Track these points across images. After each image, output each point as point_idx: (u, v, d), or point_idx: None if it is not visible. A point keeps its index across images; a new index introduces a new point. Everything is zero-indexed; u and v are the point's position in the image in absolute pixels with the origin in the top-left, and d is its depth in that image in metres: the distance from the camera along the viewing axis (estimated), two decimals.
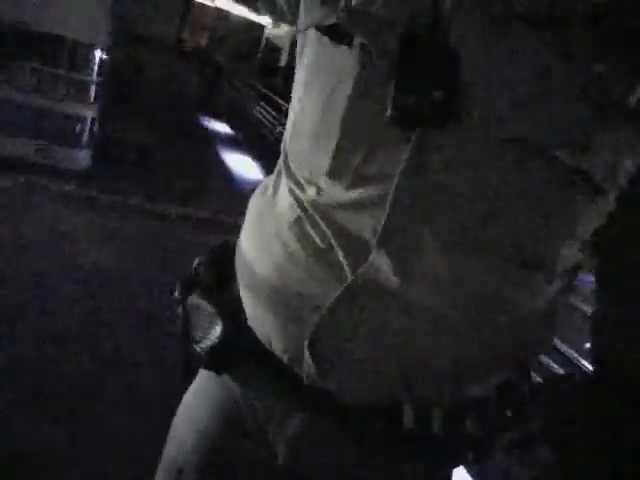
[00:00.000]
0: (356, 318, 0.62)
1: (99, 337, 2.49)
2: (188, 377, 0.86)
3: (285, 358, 0.69)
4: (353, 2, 0.61)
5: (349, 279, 0.62)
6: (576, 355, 2.05)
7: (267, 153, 6.32)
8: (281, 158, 0.75)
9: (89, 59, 4.05)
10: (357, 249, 0.61)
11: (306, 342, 0.65)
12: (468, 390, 0.68)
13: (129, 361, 2.38)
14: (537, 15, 0.54)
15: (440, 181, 0.58)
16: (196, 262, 0.83)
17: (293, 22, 0.75)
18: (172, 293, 0.82)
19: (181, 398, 0.89)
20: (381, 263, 0.60)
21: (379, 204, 0.60)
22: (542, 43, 0.54)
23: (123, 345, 2.47)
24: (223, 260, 0.81)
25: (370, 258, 0.61)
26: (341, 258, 0.62)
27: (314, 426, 0.70)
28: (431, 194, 0.58)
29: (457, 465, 0.76)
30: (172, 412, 0.89)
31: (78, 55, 4.02)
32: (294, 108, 0.71)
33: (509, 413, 0.70)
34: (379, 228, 0.60)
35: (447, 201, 0.58)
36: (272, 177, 0.77)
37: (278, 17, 0.81)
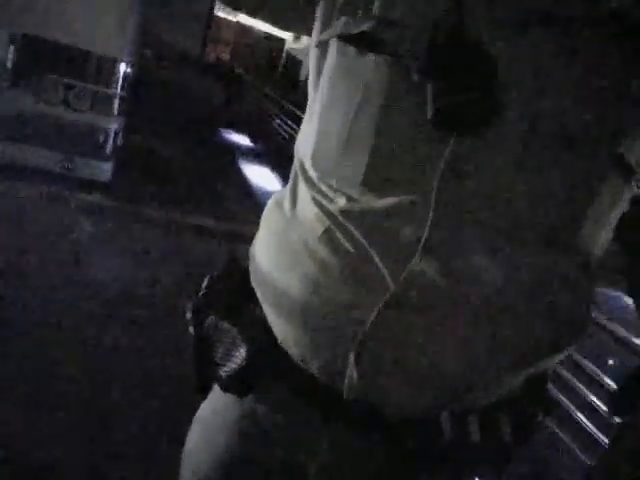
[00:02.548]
0: (404, 325, 0.61)
1: (118, 345, 2.52)
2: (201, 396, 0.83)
3: (322, 374, 0.66)
4: (373, 9, 0.61)
5: (392, 286, 0.60)
6: (599, 372, 2.02)
7: (287, 165, 6.29)
8: (296, 170, 0.73)
9: (114, 73, 4.12)
10: (397, 255, 0.60)
11: (352, 355, 0.62)
12: (503, 388, 0.67)
13: (139, 373, 2.39)
14: (558, 13, 0.55)
15: (481, 182, 0.58)
16: (207, 280, 0.79)
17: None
18: (184, 313, 0.78)
19: None
20: (426, 267, 0.59)
21: (418, 209, 0.59)
22: (563, 40, 0.55)
23: (136, 355, 2.49)
24: (237, 277, 0.78)
25: (413, 263, 0.59)
26: (380, 265, 0.61)
27: (348, 441, 0.68)
28: (473, 195, 0.58)
29: (484, 474, 0.75)
30: None
31: (103, 69, 4.10)
32: (315, 120, 0.69)
33: (540, 417, 0.70)
34: (422, 232, 0.59)
35: (490, 201, 0.58)
36: (286, 190, 0.75)
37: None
